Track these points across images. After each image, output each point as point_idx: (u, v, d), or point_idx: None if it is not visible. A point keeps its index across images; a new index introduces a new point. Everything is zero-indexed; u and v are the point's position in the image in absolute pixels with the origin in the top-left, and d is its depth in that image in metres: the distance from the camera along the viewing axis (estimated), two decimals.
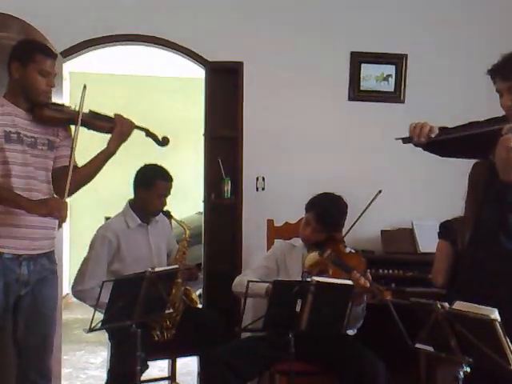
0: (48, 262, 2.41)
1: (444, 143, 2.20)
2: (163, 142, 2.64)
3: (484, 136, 2.11)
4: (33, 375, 2.38)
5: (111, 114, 2.50)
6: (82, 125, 2.40)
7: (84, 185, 2.47)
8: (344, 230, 2.83)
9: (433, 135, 2.17)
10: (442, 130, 2.22)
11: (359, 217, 2.67)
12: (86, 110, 2.43)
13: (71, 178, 2.33)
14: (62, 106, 2.44)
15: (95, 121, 2.46)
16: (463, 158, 2.46)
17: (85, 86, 2.38)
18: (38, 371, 2.39)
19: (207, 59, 3.53)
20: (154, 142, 2.66)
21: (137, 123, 2.52)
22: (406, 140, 2.23)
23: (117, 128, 2.45)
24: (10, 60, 2.35)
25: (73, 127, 2.47)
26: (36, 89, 2.32)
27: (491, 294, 2.05)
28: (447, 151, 2.33)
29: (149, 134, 2.61)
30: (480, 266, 2.22)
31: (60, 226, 2.33)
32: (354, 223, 2.69)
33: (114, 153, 2.47)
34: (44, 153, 2.39)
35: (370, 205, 2.66)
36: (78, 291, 2.93)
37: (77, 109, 2.40)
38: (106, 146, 2.46)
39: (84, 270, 2.94)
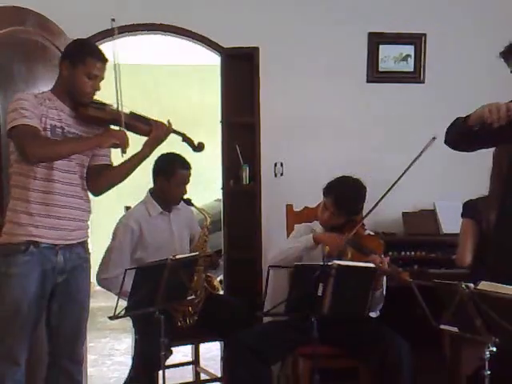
0: (83, 250, 2.47)
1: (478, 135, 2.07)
2: (199, 147, 2.66)
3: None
4: (64, 361, 2.43)
5: (150, 117, 2.53)
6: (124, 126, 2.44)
7: (115, 185, 2.51)
8: (366, 212, 2.80)
9: None
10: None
11: (394, 184, 2.55)
12: (127, 110, 2.47)
13: (105, 176, 2.45)
14: (105, 105, 2.47)
15: (135, 122, 2.49)
16: (491, 147, 2.40)
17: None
18: (69, 357, 2.44)
19: (222, 46, 3.51)
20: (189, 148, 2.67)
21: (174, 127, 2.54)
22: (487, 126, 1.98)
23: (153, 132, 2.48)
24: (62, 58, 2.41)
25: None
26: (81, 90, 2.36)
27: None
28: (479, 144, 2.24)
29: (185, 138, 2.64)
30: (507, 248, 2.19)
31: (124, 151, 2.41)
32: (419, 155, 2.54)
33: (148, 156, 2.51)
34: None
35: (423, 151, 2.51)
36: (103, 279, 2.96)
37: (119, 109, 2.43)
38: (140, 149, 2.49)
39: (108, 258, 2.97)
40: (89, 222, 2.51)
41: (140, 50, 5.47)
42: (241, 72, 3.53)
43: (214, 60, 3.71)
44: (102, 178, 2.47)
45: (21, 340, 2.31)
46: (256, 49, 3.46)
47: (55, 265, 2.35)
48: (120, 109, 2.43)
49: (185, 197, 3.08)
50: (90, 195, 2.51)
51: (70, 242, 2.39)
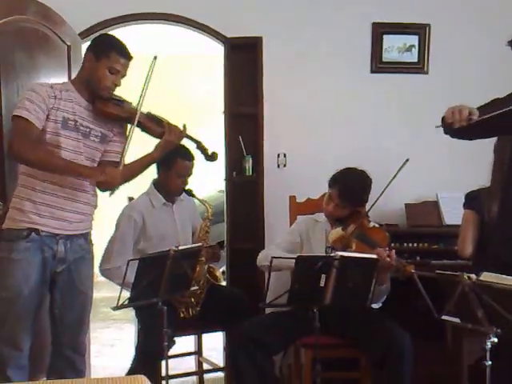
0: (85, 242, 2.48)
1: (475, 126, 2.11)
2: (212, 156, 2.67)
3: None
4: (67, 351, 2.45)
5: (164, 118, 2.53)
6: (136, 125, 2.43)
7: (123, 184, 2.49)
8: (368, 205, 2.81)
9: (475, 117, 2.06)
10: (481, 110, 2.10)
11: (385, 188, 2.61)
12: (144, 110, 2.47)
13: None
14: (123, 101, 2.46)
15: (148, 123, 2.49)
16: (491, 137, 2.41)
17: (155, 57, 2.46)
18: (72, 347, 2.46)
19: (226, 35, 3.49)
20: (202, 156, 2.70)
21: (189, 133, 2.54)
22: (446, 126, 2.12)
23: (165, 136, 2.48)
24: (87, 49, 2.41)
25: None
26: (101, 84, 2.36)
27: None
28: (477, 134, 2.26)
29: (199, 146, 2.64)
30: (509, 238, 2.19)
31: (112, 192, 2.39)
32: (380, 196, 2.63)
33: (157, 159, 2.53)
34: (95, 144, 2.43)
35: (397, 174, 2.59)
36: (106, 270, 2.97)
37: (138, 107, 2.42)
38: (151, 151, 2.50)
39: (111, 249, 2.98)
40: (93, 215, 2.52)
41: (142, 39, 5.45)
42: (244, 62, 3.52)
43: (217, 50, 3.70)
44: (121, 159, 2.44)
45: (22, 325, 2.33)
46: (259, 38, 3.45)
47: (56, 253, 2.36)
48: (138, 107, 2.42)
49: (186, 188, 3.08)
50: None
51: (70, 232, 2.39)
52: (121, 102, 2.45)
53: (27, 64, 2.90)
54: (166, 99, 5.45)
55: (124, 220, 3.00)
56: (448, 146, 3.45)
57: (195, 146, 2.63)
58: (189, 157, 3.02)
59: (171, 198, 3.10)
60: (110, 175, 2.33)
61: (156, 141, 2.54)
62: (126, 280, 2.29)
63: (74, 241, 2.41)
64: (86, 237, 2.50)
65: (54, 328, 2.46)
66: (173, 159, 2.99)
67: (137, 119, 2.41)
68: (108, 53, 2.35)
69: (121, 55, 2.38)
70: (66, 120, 2.34)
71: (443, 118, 2.15)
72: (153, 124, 2.50)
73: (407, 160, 2.58)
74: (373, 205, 2.70)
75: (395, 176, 2.60)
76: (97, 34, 3.47)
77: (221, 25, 3.48)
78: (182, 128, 2.53)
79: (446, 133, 2.18)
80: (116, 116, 2.44)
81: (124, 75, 2.42)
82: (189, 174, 3.05)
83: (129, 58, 2.41)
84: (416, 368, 2.54)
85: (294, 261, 2.44)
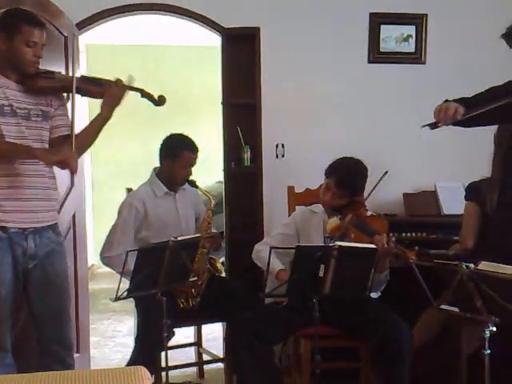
0: (53, 234, 2.41)
1: (471, 118, 2.14)
2: (159, 101, 2.51)
3: (509, 103, 2.06)
4: (54, 346, 2.41)
5: (103, 77, 2.43)
6: (76, 92, 2.35)
7: (81, 154, 2.44)
8: (365, 193, 2.81)
9: (459, 117, 2.10)
10: (467, 107, 2.14)
11: (369, 193, 2.68)
12: (77, 75, 2.37)
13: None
14: (53, 73, 2.38)
15: (87, 86, 2.40)
16: (488, 126, 2.42)
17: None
18: (58, 342, 2.42)
19: (223, 26, 3.48)
20: (150, 103, 2.53)
21: (128, 83, 2.43)
22: (432, 126, 2.16)
23: (108, 92, 2.38)
24: None
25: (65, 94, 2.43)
26: (24, 60, 2.27)
27: None
28: (473, 124, 2.27)
29: (144, 94, 2.50)
30: (508, 228, 2.20)
31: (72, 177, 2.32)
32: (372, 190, 2.66)
33: (108, 118, 2.40)
34: (39, 124, 2.35)
35: (376, 186, 2.65)
36: (107, 257, 2.96)
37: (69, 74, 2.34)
38: (99, 112, 2.41)
39: (112, 236, 2.98)
40: (56, 203, 2.45)
41: (139, 30, 5.43)
42: (241, 52, 3.50)
43: (215, 41, 3.68)
44: (71, 139, 2.34)
45: (4, 325, 2.29)
46: (257, 29, 3.43)
47: (26, 249, 2.30)
48: (70, 74, 2.35)
49: (190, 179, 3.08)
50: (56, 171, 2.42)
51: (38, 225, 2.33)
52: (50, 73, 2.37)
53: None
54: (163, 90, 5.43)
55: (125, 208, 3.00)
56: (446, 136, 3.46)
57: (140, 94, 2.50)
58: (194, 148, 3.03)
59: (174, 188, 3.10)
60: (67, 155, 2.24)
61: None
62: (127, 268, 2.29)
63: (42, 234, 2.35)
64: (54, 229, 2.42)
65: (37, 325, 2.41)
66: (178, 150, 2.99)
67: (74, 85, 2.31)
68: (19, 28, 2.23)
69: (33, 26, 2.26)
70: (1, 107, 2.25)
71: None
72: (91, 86, 2.41)
73: (386, 173, 2.64)
74: (368, 196, 2.71)
75: (375, 187, 2.65)
76: (94, 25, 3.48)
77: (218, 15, 3.47)
78: (125, 80, 2.43)
79: (432, 129, 2.21)
80: (50, 88, 2.35)
81: (43, 44, 2.30)
82: (193, 164, 3.06)
83: (41, 25, 2.30)
84: (415, 357, 2.55)
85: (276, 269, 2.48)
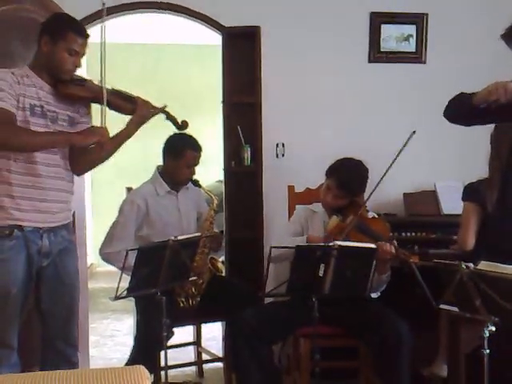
0: (67, 233, 2.43)
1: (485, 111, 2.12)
2: (182, 125, 2.62)
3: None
4: (59, 344, 2.41)
5: (133, 94, 2.47)
6: (106, 104, 2.37)
7: (98, 164, 2.46)
8: (366, 194, 2.81)
9: None
10: None
11: (388, 168, 2.60)
12: (108, 87, 2.39)
13: (90, 156, 2.38)
14: (85, 81, 2.40)
15: (117, 100, 2.43)
16: (488, 124, 2.42)
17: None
18: (64, 340, 2.43)
19: (223, 25, 3.48)
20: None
21: (156, 105, 2.49)
22: (491, 103, 2.10)
23: (138, 111, 2.43)
24: (41, 32, 2.32)
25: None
26: (62, 67, 2.29)
27: None
28: (475, 119, 2.27)
29: (169, 117, 2.58)
30: (507, 228, 2.21)
31: (103, 152, 2.35)
32: (379, 182, 2.61)
33: (131, 136, 2.45)
34: (64, 128, 2.37)
35: (404, 147, 2.58)
36: (106, 253, 2.96)
37: (100, 84, 2.36)
38: (125, 127, 2.44)
39: (112, 233, 2.98)
40: (71, 205, 2.46)
41: (139, 29, 5.43)
42: (242, 51, 3.50)
43: (215, 40, 3.68)
44: (84, 158, 2.40)
45: (12, 324, 2.29)
46: (257, 28, 3.43)
47: (40, 248, 2.31)
48: (102, 85, 2.35)
49: (193, 178, 3.08)
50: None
51: (53, 224, 2.34)
52: (82, 81, 2.38)
53: (24, 53, 2.87)
54: (162, 89, 5.44)
55: (127, 205, 3.01)
56: (446, 135, 3.47)
57: (164, 117, 2.57)
58: (197, 147, 3.04)
59: (176, 187, 3.10)
60: (100, 133, 2.30)
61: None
62: (127, 264, 2.29)
63: (57, 233, 2.36)
64: (68, 227, 2.44)
65: (44, 322, 2.42)
66: (181, 149, 2.99)
67: (105, 98, 2.34)
68: (64, 34, 2.26)
69: (78, 35, 2.28)
70: (33, 107, 2.26)
71: (471, 97, 2.15)
72: (121, 101, 2.43)
73: (414, 132, 2.56)
74: (370, 195, 2.71)
75: (402, 149, 2.59)
76: (94, 24, 3.48)
77: (218, 14, 3.46)
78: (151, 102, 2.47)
79: (445, 116, 2.20)
80: (80, 97, 2.37)
81: (83, 54, 2.33)
82: (196, 164, 3.06)
83: (85, 36, 2.33)
84: (414, 357, 2.55)
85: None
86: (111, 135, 2.42)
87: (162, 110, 2.54)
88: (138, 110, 2.42)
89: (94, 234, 5.15)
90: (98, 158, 2.42)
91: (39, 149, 2.25)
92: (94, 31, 3.66)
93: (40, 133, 2.26)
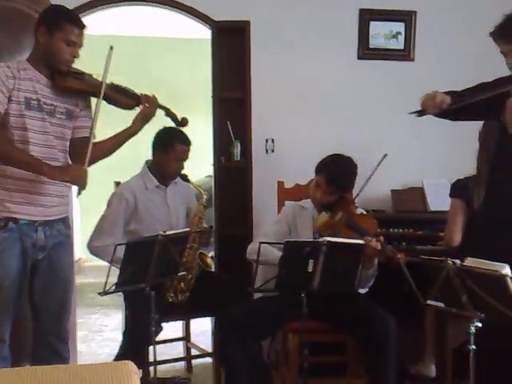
0: (64, 226, 2.43)
1: (456, 109, 2.18)
2: (182, 122, 2.62)
3: (494, 98, 2.09)
4: (51, 338, 2.41)
5: (135, 91, 2.46)
6: (103, 98, 2.36)
7: (101, 159, 2.46)
8: (354, 191, 2.82)
9: (445, 106, 2.18)
10: (453, 97, 2.20)
11: (367, 180, 2.66)
12: (107, 81, 2.37)
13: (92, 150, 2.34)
14: (84, 74, 2.39)
15: (117, 95, 2.42)
16: (475, 120, 2.45)
17: (111, 47, 2.32)
18: (56, 334, 2.43)
19: (213, 19, 3.47)
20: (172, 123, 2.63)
21: (160, 102, 2.49)
22: (420, 113, 2.22)
23: (144, 108, 2.43)
24: (37, 24, 2.31)
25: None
26: (59, 58, 2.28)
27: (505, 251, 2.06)
28: (459, 116, 2.32)
29: (169, 113, 2.58)
30: (494, 224, 2.23)
31: (80, 193, 2.33)
32: (364, 186, 2.67)
33: (136, 133, 2.45)
34: (62, 122, 2.36)
35: (376, 169, 2.65)
36: (95, 247, 2.96)
37: (98, 78, 2.36)
38: (131, 125, 2.44)
39: (101, 226, 2.97)
40: (69, 198, 2.46)
41: (128, 22, 5.39)
42: (232, 46, 3.49)
43: (205, 34, 3.67)
44: (86, 152, 2.37)
45: (4, 316, 2.29)
46: (247, 23, 3.43)
47: (35, 241, 2.31)
48: (101, 79, 2.34)
49: (182, 173, 3.08)
50: None
51: (49, 218, 2.34)
52: (81, 75, 2.37)
53: (11, 46, 2.84)
54: (151, 83, 5.40)
55: (116, 199, 3.00)
56: (434, 133, 3.50)
57: (164, 113, 2.57)
58: (186, 141, 3.03)
59: (165, 181, 3.09)
60: (76, 174, 2.26)
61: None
62: (116, 256, 2.28)
63: (53, 226, 2.36)
64: (65, 221, 2.44)
65: (36, 316, 2.41)
66: (171, 143, 2.99)
67: (103, 91, 2.33)
68: (61, 25, 2.25)
69: (74, 25, 2.28)
70: (29, 100, 2.25)
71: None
72: (120, 95, 2.42)
73: (385, 155, 2.64)
74: (358, 193, 2.73)
75: (374, 171, 2.65)
76: (82, 16, 3.44)
77: (208, 8, 3.45)
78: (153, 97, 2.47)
79: (419, 116, 2.26)
80: (78, 90, 2.36)
81: (81, 45, 2.33)
82: (185, 158, 3.05)
83: (82, 26, 2.32)
84: (401, 352, 2.58)
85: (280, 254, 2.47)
86: (117, 131, 2.43)
87: (162, 106, 2.54)
88: (144, 108, 2.43)
89: (82, 229, 5.13)
90: (99, 152, 2.41)
91: (9, 164, 2.22)
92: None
93: (21, 151, 2.23)
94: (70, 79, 2.33)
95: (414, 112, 2.24)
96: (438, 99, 2.18)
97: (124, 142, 2.46)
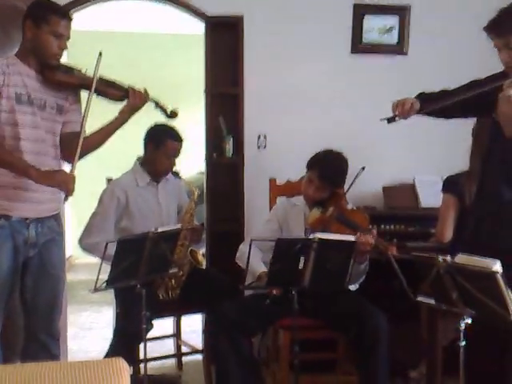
0: (55, 223, 2.42)
1: (446, 108, 2.18)
2: (171, 114, 2.61)
3: (486, 94, 2.09)
4: (42, 335, 2.40)
5: (123, 83, 2.46)
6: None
7: (90, 153, 2.45)
8: (344, 189, 2.82)
9: (413, 112, 2.23)
10: (423, 102, 2.22)
11: (346, 191, 2.70)
12: (96, 75, 2.37)
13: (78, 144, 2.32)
14: (73, 69, 2.39)
15: (106, 88, 2.41)
16: (468, 118, 2.45)
17: (100, 53, 2.32)
18: (47, 331, 2.42)
19: (206, 14, 3.44)
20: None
21: (150, 94, 2.49)
22: (391, 119, 2.26)
23: (131, 100, 2.42)
24: (24, 18, 2.30)
25: (82, 91, 2.43)
26: (47, 50, 2.28)
27: (495, 247, 2.06)
28: (451, 114, 2.31)
29: (158, 105, 2.57)
30: (485, 221, 2.23)
31: (66, 199, 2.31)
32: (350, 185, 2.68)
33: (125, 123, 2.45)
34: (53, 116, 2.35)
35: (354, 181, 2.66)
36: (86, 244, 2.94)
37: (87, 73, 2.36)
38: (116, 117, 2.43)
39: (92, 223, 2.96)
40: (61, 195, 2.42)
41: (120, 17, 5.36)
42: (225, 41, 3.48)
43: (198, 29, 3.65)
44: (76, 146, 2.35)
45: None
46: (240, 18, 3.41)
47: (27, 238, 2.30)
48: (91, 74, 2.34)
49: (173, 169, 3.06)
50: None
51: (41, 215, 2.33)
52: (70, 69, 2.38)
53: (2, 40, 2.82)
54: (143, 78, 5.37)
55: (107, 196, 2.99)
56: (425, 129, 3.49)
57: (154, 105, 2.56)
58: (178, 138, 3.02)
59: (156, 178, 3.08)
60: (62, 180, 2.23)
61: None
62: (108, 253, 2.27)
63: (44, 223, 2.35)
64: (57, 218, 2.43)
65: (27, 313, 2.41)
66: (162, 139, 2.97)
67: (94, 85, 2.32)
68: (47, 17, 2.25)
69: (60, 17, 2.27)
70: (19, 95, 2.24)
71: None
72: (109, 88, 2.42)
73: (363, 168, 2.64)
74: (348, 189, 2.72)
75: (352, 184, 2.67)
76: (73, 11, 3.42)
77: (202, 2, 3.43)
78: (143, 91, 2.47)
79: (390, 122, 2.29)
80: (68, 83, 2.36)
81: (68, 37, 2.32)
82: (177, 155, 3.03)
83: (68, 18, 2.32)
84: (391, 348, 2.58)
85: (259, 273, 2.51)
86: (104, 123, 2.42)
87: (154, 99, 2.53)
88: (131, 98, 2.41)
89: (73, 225, 5.10)
90: (88, 146, 2.40)
91: None
92: (73, 19, 3.61)
93: (9, 153, 2.22)
94: (60, 73, 2.33)
95: (385, 118, 2.26)
96: (407, 105, 2.22)
97: (111, 135, 2.45)
